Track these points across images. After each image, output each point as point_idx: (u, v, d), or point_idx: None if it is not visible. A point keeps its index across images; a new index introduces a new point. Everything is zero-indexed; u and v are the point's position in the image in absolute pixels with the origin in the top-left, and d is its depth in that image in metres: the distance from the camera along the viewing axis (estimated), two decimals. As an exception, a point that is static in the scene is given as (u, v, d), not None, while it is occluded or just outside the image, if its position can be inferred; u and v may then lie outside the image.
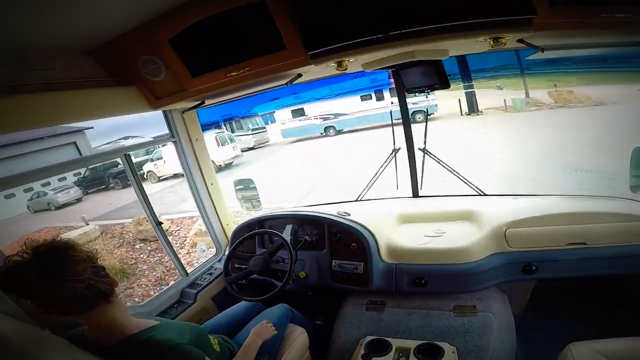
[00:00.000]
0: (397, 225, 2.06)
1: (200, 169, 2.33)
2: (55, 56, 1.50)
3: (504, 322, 1.69)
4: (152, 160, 13.59)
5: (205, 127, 15.46)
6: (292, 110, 15.47)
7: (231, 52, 1.44)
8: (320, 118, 14.92)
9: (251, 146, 15.70)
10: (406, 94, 1.97)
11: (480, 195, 2.22)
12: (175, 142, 2.22)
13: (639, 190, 1.74)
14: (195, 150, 2.29)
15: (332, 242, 1.97)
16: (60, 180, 13.71)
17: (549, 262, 1.61)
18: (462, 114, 11.89)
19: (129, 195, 11.74)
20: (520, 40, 1.30)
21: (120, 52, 1.59)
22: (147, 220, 7.07)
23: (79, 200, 13.03)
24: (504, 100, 11.41)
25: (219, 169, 12.70)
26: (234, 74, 1.49)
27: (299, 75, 1.62)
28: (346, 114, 14.51)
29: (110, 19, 1.33)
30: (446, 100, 12.63)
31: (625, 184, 1.77)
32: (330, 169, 9.81)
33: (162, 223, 2.13)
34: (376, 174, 2.46)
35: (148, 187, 12.80)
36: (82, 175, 14.24)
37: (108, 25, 1.38)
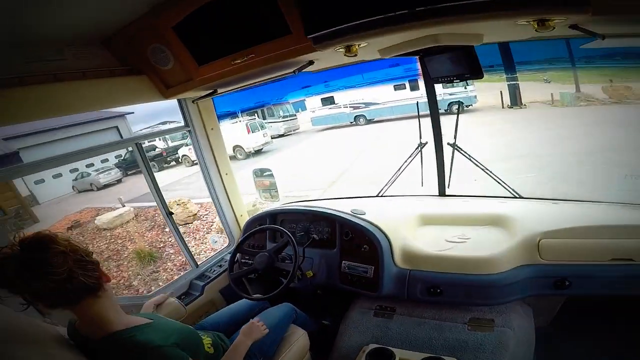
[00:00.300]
0: (417, 227, 1.92)
1: (215, 159, 2.29)
2: (66, 46, 1.49)
3: (523, 338, 1.54)
4: (187, 144, 14.08)
5: (233, 114, 15.84)
6: (322, 99, 15.36)
7: (234, 39, 1.36)
8: (350, 107, 14.67)
9: (281, 133, 15.79)
10: (438, 83, 1.76)
11: (515, 197, 2.02)
12: (189, 132, 2.18)
13: None
14: (210, 140, 2.25)
15: (343, 241, 1.87)
16: (102, 162, 14.68)
17: (586, 278, 1.44)
18: (503, 107, 11.11)
19: (164, 178, 12.40)
20: (573, 26, 1.09)
21: (129, 41, 1.56)
22: (178, 204, 7.46)
23: (118, 181, 13.80)
24: (551, 94, 10.50)
25: (248, 155, 12.97)
26: (239, 61, 1.42)
27: (311, 63, 1.49)
28: (378, 103, 14.14)
29: (118, 7, 1.29)
30: (487, 92, 11.85)
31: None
32: (358, 159, 9.59)
33: (173, 213, 2.12)
34: (399, 169, 2.30)
35: (182, 170, 13.63)
36: (122, 158, 15.13)
37: (117, 13, 1.34)
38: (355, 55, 1.17)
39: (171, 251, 6.30)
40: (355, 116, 14.61)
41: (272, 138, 14.33)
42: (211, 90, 1.89)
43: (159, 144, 15.59)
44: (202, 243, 6.38)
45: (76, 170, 13.98)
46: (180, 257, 6.00)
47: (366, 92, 14.37)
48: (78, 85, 1.54)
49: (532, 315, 1.65)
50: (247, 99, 16.48)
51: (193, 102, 2.06)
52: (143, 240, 6.88)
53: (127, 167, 14.69)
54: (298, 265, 1.84)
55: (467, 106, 11.94)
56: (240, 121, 13.78)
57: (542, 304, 1.74)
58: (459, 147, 2.23)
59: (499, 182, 2.09)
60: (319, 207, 2.06)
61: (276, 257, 1.87)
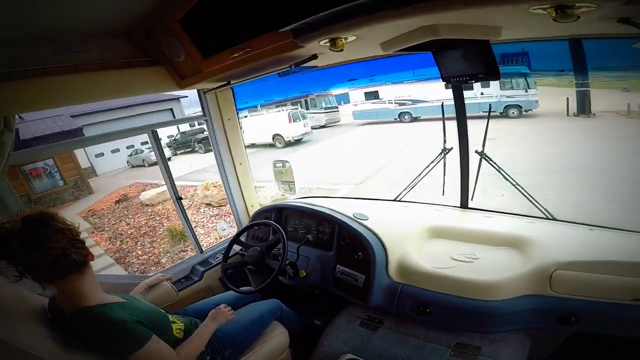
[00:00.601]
0: (426, 239, 1.79)
1: (230, 149, 2.33)
2: (91, 38, 1.56)
3: None
4: None
5: (276, 103, 16.09)
6: (365, 92, 15.05)
7: (231, 33, 1.33)
8: (395, 103, 14.18)
9: (322, 124, 15.84)
10: (451, 83, 1.57)
11: (546, 219, 1.83)
12: (206, 121, 2.23)
13: None
14: (226, 130, 2.29)
15: (340, 245, 1.81)
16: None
17: (598, 316, 1.29)
18: (568, 114, 10.00)
19: (209, 159, 13.04)
20: (624, 20, 0.92)
21: (148, 33, 1.60)
22: (214, 186, 7.83)
23: (168, 159, 14.70)
24: (628, 104, 9.20)
25: (287, 144, 13.20)
26: (236, 55, 1.39)
27: (314, 57, 1.42)
28: (425, 101, 13.49)
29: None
30: (551, 97, 10.83)
31: None
32: (397, 157, 9.30)
33: (182, 198, 2.19)
34: (420, 174, 2.19)
35: None
36: (173, 138, 16.23)
37: (136, 5, 1.37)
38: (342, 50, 1.08)
39: (201, 231, 6.61)
40: (400, 113, 14.07)
41: (312, 129, 14.45)
42: (224, 82, 1.90)
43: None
44: (232, 226, 6.61)
45: (132, 146, 15.31)
46: (207, 239, 6.29)
47: (414, 88, 13.79)
48: (100, 75, 1.62)
49: (529, 347, 1.49)
50: (292, 88, 16.71)
51: (205, 93, 2.09)
52: (177, 219, 7.21)
53: (177, 146, 15.77)
54: (287, 263, 1.84)
55: (526, 111, 10.99)
56: (283, 110, 14.06)
57: (544, 335, 1.57)
58: (487, 157, 2.06)
59: (529, 200, 1.91)
60: (322, 207, 1.99)
61: (268, 253, 1.86)
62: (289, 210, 2.17)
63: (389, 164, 8.82)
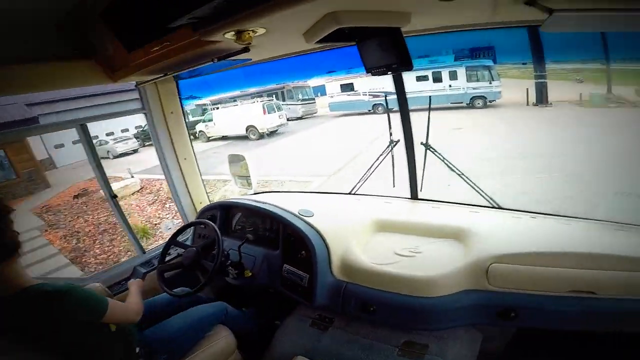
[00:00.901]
0: (373, 233, 1.78)
1: (173, 143, 2.30)
2: (18, 29, 1.48)
3: None
4: (204, 121, 14.69)
5: (248, 95, 15.78)
6: (341, 85, 15.03)
7: (147, 27, 1.30)
8: (369, 95, 14.30)
9: (299, 116, 15.76)
10: (375, 75, 1.59)
11: (492, 207, 1.86)
12: (145, 114, 2.19)
13: None
14: (169, 124, 2.27)
15: (286, 244, 1.77)
16: (122, 131, 15.22)
17: (536, 310, 1.30)
18: (527, 104, 10.50)
19: None
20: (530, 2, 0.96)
21: (76, 26, 1.55)
22: None
23: (135, 151, 14.31)
24: (580, 93, 9.83)
25: (262, 136, 13.07)
26: (156, 49, 1.37)
27: (246, 50, 1.40)
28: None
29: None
30: (514, 88, 11.25)
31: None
32: (369, 148, 9.46)
33: (117, 196, 2.15)
34: (370, 167, 2.23)
35: (197, 145, 13.66)
36: (142, 128, 15.65)
37: None
38: (249, 43, 1.09)
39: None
40: (374, 104, 14.27)
41: (289, 120, 14.36)
42: (161, 74, 1.87)
43: None
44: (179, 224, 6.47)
45: (96, 137, 14.48)
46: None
47: (387, 80, 13.90)
48: (30, 68, 1.56)
49: (481, 342, 1.50)
50: (269, 78, 16.49)
51: (141, 85, 2.05)
52: (142, 215, 6.97)
53: (146, 137, 15.17)
54: (229, 263, 1.80)
55: (490, 101, 11.41)
56: (257, 101, 13.84)
57: (493, 330, 1.57)
58: (432, 148, 2.12)
59: (475, 189, 1.97)
60: (267, 204, 1.95)
61: (206, 253, 1.79)
62: (235, 208, 2.13)
63: (361, 155, 8.94)
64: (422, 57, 12.94)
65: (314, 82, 17.01)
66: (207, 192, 2.57)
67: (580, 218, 1.62)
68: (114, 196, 2.12)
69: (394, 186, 2.32)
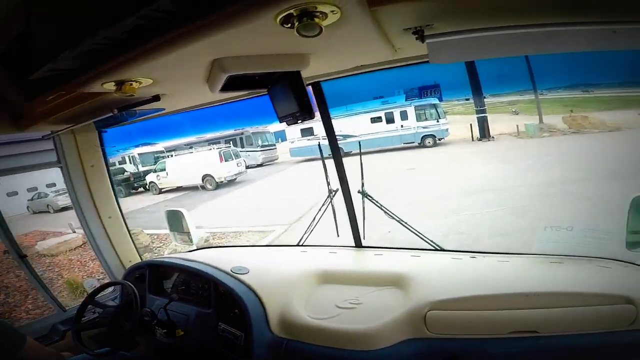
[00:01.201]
0: (314, 286, 1.73)
1: (94, 200, 2.05)
2: None
3: None
4: (155, 171, 13.77)
5: (205, 141, 15.55)
6: (301, 129, 15.31)
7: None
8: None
9: (259, 163, 15.61)
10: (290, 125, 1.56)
11: (433, 250, 1.88)
12: (61, 168, 1.96)
13: (637, 247, 1.44)
14: (88, 179, 2.04)
15: (219, 302, 1.72)
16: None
17: (479, 354, 1.26)
18: (473, 139, 11.37)
19: (129, 204, 12.05)
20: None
21: None
22: (134, 233, 7.19)
23: None
24: (517, 125, 10.88)
25: (219, 185, 12.67)
26: (52, 98, 1.22)
27: (156, 99, 1.31)
28: (355, 136, 14.19)
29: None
30: (460, 124, 12.22)
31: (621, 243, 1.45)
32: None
33: (26, 256, 1.91)
34: (314, 218, 2.24)
35: (148, 198, 13.18)
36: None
37: None
38: (132, 95, 0.99)
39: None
40: (334, 148, 14.66)
41: (249, 168, 14.14)
42: (71, 124, 1.68)
43: (129, 167, 15.04)
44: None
45: (35, 189, 13.30)
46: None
47: (347, 123, 14.43)
48: None
49: None
50: (227, 124, 16.51)
51: (51, 134, 1.84)
52: (83, 270, 6.54)
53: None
54: (155, 323, 1.74)
55: (439, 139, 12.13)
56: (213, 148, 13.55)
57: None
58: (369, 195, 2.15)
59: (415, 233, 2.00)
60: (196, 263, 1.89)
61: (126, 313, 1.71)
62: (164, 267, 2.02)
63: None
64: (377, 98, 13.82)
65: (275, 127, 17.27)
66: (137, 249, 2.38)
67: (517, 254, 1.66)
68: (22, 256, 1.87)
69: (338, 235, 2.31)
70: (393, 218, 2.11)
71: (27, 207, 13.31)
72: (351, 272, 1.77)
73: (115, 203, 2.19)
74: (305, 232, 2.26)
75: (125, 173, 14.63)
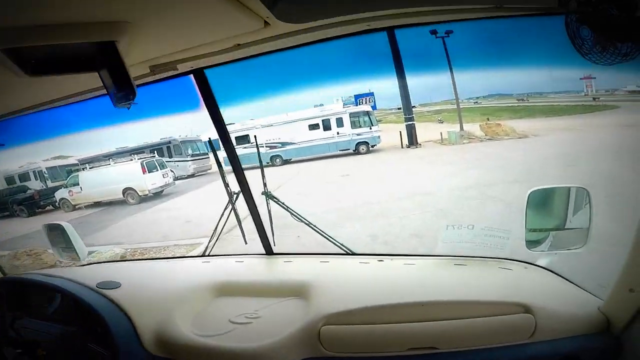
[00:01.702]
0: (208, 300, 1.59)
1: None
2: None
3: None
4: (66, 186, 12.22)
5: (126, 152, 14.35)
6: (236, 137, 14.73)
7: None
8: (266, 146, 14.31)
9: (190, 173, 14.57)
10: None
11: (343, 254, 1.83)
12: None
13: (536, 246, 1.41)
14: None
15: (81, 320, 1.58)
16: None
17: None
18: (402, 147, 12.00)
19: (33, 224, 10.44)
20: None
21: None
22: (28, 255, 6.39)
23: None
24: (441, 132, 11.77)
25: (143, 198, 11.53)
26: None
27: None
28: (293, 143, 14.05)
29: None
30: (392, 132, 12.80)
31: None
32: (261, 204, 9.23)
33: None
34: (217, 226, 2.20)
35: (60, 216, 11.60)
36: None
37: None
38: None
39: None
40: (272, 156, 14.20)
41: (178, 179, 13.18)
42: None
43: (34, 184, 13.20)
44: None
45: None
46: None
47: (285, 131, 14.22)
48: None
49: None
50: (150, 133, 15.29)
51: None
52: None
53: None
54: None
55: (372, 146, 12.54)
56: (133, 160, 12.21)
57: None
58: (274, 197, 2.11)
59: (323, 236, 1.99)
60: (56, 278, 1.73)
61: None
62: (26, 283, 1.86)
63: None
64: (317, 106, 13.93)
65: (208, 135, 16.36)
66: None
67: (423, 256, 1.64)
68: None
69: (245, 243, 2.18)
70: (301, 221, 2.07)
71: None
72: (254, 283, 1.66)
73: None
74: (209, 241, 2.17)
75: (28, 191, 12.88)
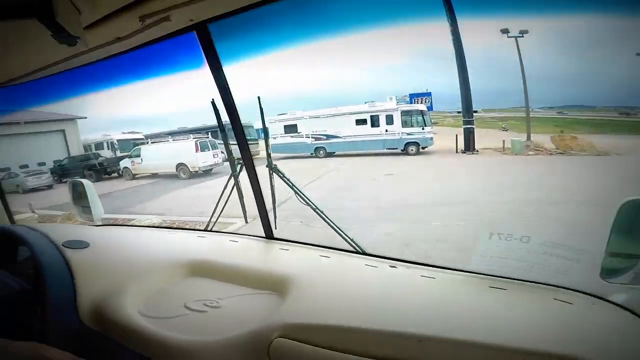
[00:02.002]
0: (179, 278, 1.42)
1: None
2: None
3: None
4: (130, 157, 13.71)
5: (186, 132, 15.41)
6: (284, 126, 14.98)
7: None
8: (312, 137, 14.30)
9: (238, 157, 15.21)
10: None
11: (351, 252, 1.56)
12: None
13: (615, 276, 0.98)
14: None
15: (35, 277, 1.38)
16: (39, 164, 14.08)
17: None
18: (457, 151, 11.10)
19: (99, 189, 11.61)
20: None
21: None
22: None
23: (49, 187, 13.09)
24: (503, 140, 10.64)
25: (192, 175, 12.39)
26: None
27: None
28: (338, 137, 13.86)
29: None
30: (449, 136, 11.96)
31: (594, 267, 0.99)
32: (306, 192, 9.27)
33: None
34: (218, 202, 2.12)
35: (121, 183, 13.16)
36: (60, 162, 14.37)
37: None
38: None
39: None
40: (316, 148, 14.17)
41: (226, 161, 13.84)
42: None
43: (106, 153, 14.92)
44: None
45: (7, 169, 13.28)
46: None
47: (331, 123, 14.11)
48: None
49: None
50: (209, 117, 16.20)
51: None
52: None
53: (64, 173, 13.94)
54: None
55: (422, 148, 11.81)
56: (188, 138, 13.26)
57: None
58: (279, 171, 1.97)
59: (329, 224, 1.84)
60: (27, 231, 1.55)
61: None
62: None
63: (291, 200, 8.63)
64: (368, 102, 13.52)
65: (260, 124, 16.93)
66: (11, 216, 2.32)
67: (449, 269, 1.24)
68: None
69: (246, 222, 2.11)
70: (307, 204, 1.91)
71: (-2, 188, 13.16)
72: (236, 267, 1.43)
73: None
74: (211, 216, 2.09)
75: (99, 158, 14.72)
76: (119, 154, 15.03)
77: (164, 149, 13.11)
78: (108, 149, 15.60)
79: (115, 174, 14.26)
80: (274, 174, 2.06)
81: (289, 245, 1.65)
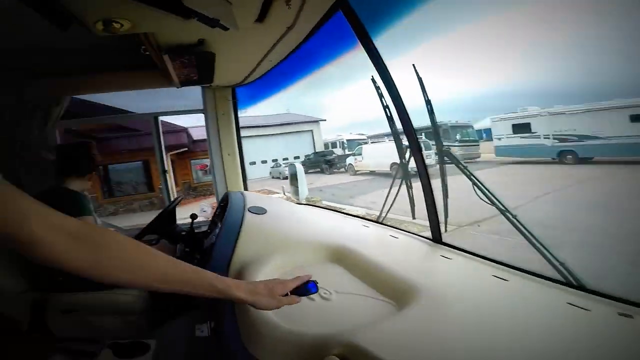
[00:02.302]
0: (327, 262, 1.33)
1: (220, 139, 2.65)
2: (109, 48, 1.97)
3: None
4: (354, 154, 16.03)
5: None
6: (513, 125, 12.71)
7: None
8: (553, 138, 11.44)
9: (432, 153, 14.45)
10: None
11: (563, 283, 1.11)
12: (204, 114, 2.63)
13: None
14: (219, 123, 2.64)
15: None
16: (295, 158, 18.89)
17: None
18: None
19: (328, 180, 14.24)
20: None
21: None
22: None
23: None
24: None
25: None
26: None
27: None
28: (599, 137, 10.34)
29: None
30: None
31: None
32: (528, 206, 7.45)
33: (167, 171, 2.66)
34: (389, 192, 2.00)
35: (345, 177, 15.39)
36: (308, 157, 18.63)
37: None
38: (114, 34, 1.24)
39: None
40: (561, 151, 11.16)
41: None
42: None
43: (338, 151, 18.12)
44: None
45: (275, 160, 19.33)
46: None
47: (583, 120, 10.78)
48: (111, 75, 2.27)
49: None
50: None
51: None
52: None
53: (310, 165, 17.90)
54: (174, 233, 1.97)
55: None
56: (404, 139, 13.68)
57: None
58: (452, 155, 1.73)
59: (535, 245, 1.25)
60: (236, 195, 1.91)
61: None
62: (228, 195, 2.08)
63: (519, 209, 7.20)
64: None
65: (481, 125, 15.30)
66: (245, 182, 2.81)
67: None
68: (164, 171, 2.71)
69: (413, 218, 1.95)
70: (493, 203, 1.38)
71: (270, 173, 19.83)
72: (369, 263, 1.22)
73: (236, 144, 2.70)
74: (382, 207, 2.03)
75: (333, 155, 18.41)
76: (347, 152, 17.90)
77: (380, 149, 14.31)
78: (339, 147, 18.95)
79: (343, 169, 17.21)
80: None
81: (455, 254, 1.35)
